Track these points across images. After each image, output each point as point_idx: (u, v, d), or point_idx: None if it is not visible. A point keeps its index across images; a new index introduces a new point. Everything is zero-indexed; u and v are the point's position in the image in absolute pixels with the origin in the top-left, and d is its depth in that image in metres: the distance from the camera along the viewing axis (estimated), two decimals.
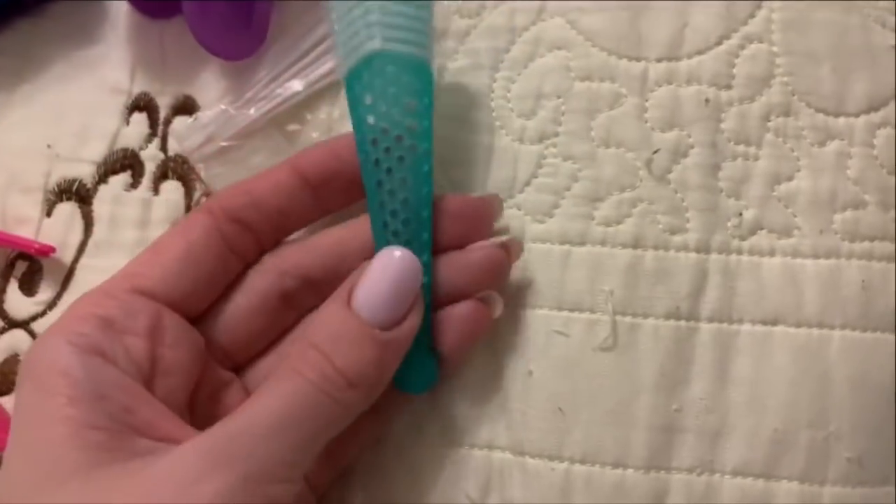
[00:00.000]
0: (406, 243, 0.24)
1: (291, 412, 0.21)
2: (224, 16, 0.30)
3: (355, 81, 0.25)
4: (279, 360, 0.26)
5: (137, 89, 0.32)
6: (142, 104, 0.31)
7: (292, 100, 0.30)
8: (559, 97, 0.28)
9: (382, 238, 0.25)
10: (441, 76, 0.30)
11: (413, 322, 0.23)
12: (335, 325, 0.23)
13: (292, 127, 0.30)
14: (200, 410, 0.24)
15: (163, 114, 0.31)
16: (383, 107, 0.24)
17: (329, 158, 0.26)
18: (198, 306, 0.25)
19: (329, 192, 0.26)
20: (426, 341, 0.25)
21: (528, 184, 0.28)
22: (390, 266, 0.23)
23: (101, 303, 0.23)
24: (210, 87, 0.31)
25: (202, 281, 0.25)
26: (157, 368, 0.23)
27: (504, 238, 0.26)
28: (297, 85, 0.30)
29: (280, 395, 0.21)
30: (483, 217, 0.26)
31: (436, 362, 0.25)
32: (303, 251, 0.26)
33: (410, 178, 0.24)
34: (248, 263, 0.26)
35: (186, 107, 0.31)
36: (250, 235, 0.26)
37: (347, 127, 0.29)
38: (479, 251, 0.25)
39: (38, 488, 0.20)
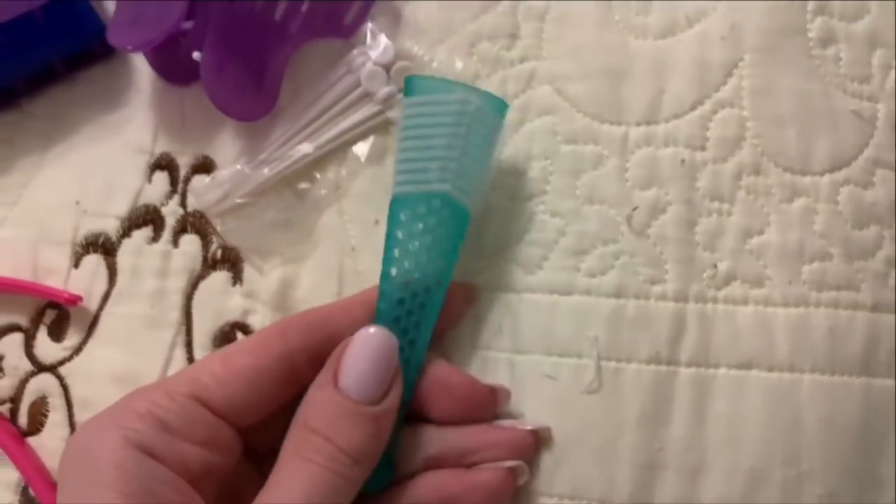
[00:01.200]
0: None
1: (312, 500, 0.23)
2: (238, 78, 0.32)
3: (406, 204, 0.28)
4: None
5: (159, 150, 0.34)
6: (163, 163, 0.34)
7: (303, 160, 0.32)
8: (547, 158, 0.31)
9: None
10: None
11: (397, 392, 0.25)
12: (329, 408, 0.24)
13: (303, 185, 0.33)
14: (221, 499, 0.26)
15: (182, 172, 0.34)
16: (423, 254, 0.27)
17: None
18: (250, 422, 0.26)
19: None
20: None
21: (519, 239, 0.30)
22: (368, 344, 0.25)
23: (160, 404, 0.24)
24: (226, 147, 0.34)
25: (263, 405, 0.26)
26: (205, 472, 0.24)
27: (513, 463, 0.27)
28: (307, 147, 0.32)
29: (298, 487, 0.23)
30: (487, 407, 0.28)
31: (390, 459, 0.27)
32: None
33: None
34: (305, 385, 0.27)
35: (205, 166, 0.34)
36: (318, 362, 0.26)
37: (355, 185, 0.32)
38: (487, 472, 0.26)
39: None
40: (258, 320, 0.31)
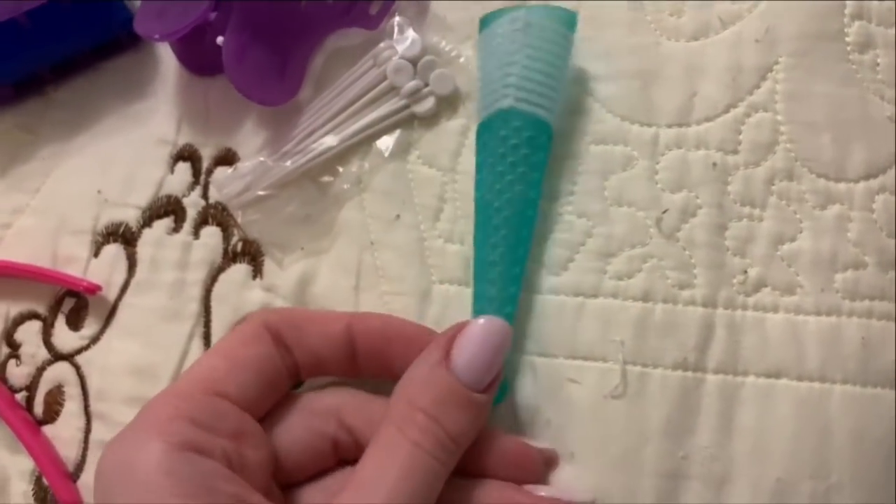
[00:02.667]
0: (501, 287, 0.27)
1: (411, 480, 0.22)
2: (260, 63, 0.32)
3: (485, 131, 0.29)
4: (321, 493, 0.26)
5: (182, 141, 0.34)
6: (186, 155, 0.34)
7: (326, 154, 0.32)
8: (575, 158, 0.31)
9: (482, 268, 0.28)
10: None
11: (499, 382, 0.25)
12: (439, 389, 0.24)
13: (325, 178, 0.32)
14: None
15: (205, 164, 0.34)
16: (509, 157, 0.28)
17: (379, 339, 0.27)
18: (260, 413, 0.26)
19: (367, 363, 0.27)
20: None
21: (544, 239, 0.30)
22: (493, 335, 0.25)
23: (182, 404, 0.24)
24: (249, 140, 0.33)
25: (270, 391, 0.26)
26: (242, 467, 0.24)
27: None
28: (330, 140, 0.32)
29: (399, 465, 0.23)
30: (538, 468, 0.27)
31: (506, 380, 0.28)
32: (357, 401, 0.27)
33: (515, 219, 0.28)
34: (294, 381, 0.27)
35: (227, 158, 0.33)
36: (291, 359, 0.27)
37: (377, 180, 0.32)
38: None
39: None
40: None
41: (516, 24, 0.29)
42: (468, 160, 0.31)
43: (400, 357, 0.26)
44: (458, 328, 0.25)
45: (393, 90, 0.32)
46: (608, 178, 0.30)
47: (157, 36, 0.32)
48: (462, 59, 0.32)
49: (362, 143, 0.32)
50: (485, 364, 0.24)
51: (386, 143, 0.32)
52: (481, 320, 0.25)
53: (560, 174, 0.30)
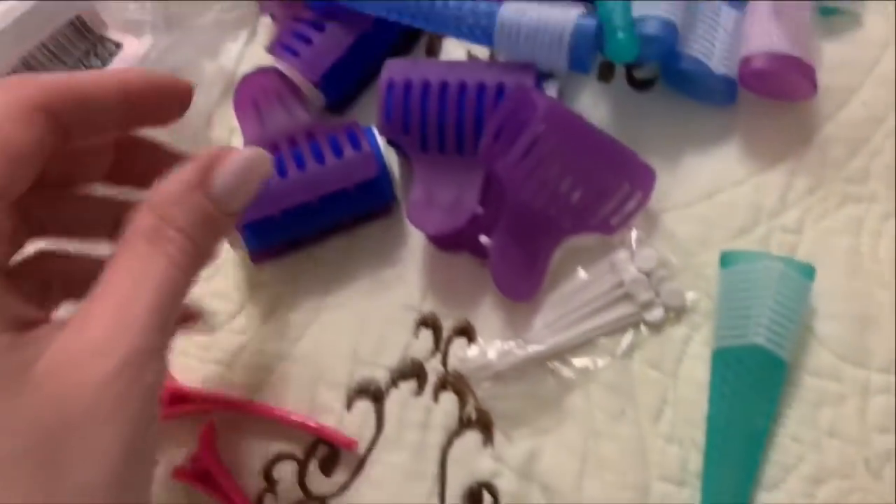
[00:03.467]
0: None
1: (168, 297, 0.24)
2: (516, 263, 0.37)
3: (728, 358, 0.34)
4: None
5: (427, 309, 0.38)
6: (429, 322, 0.38)
7: (559, 346, 0.36)
8: (792, 385, 0.34)
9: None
10: None
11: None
12: (197, 211, 0.25)
13: (555, 364, 0.36)
14: None
15: (445, 333, 0.38)
16: (751, 389, 0.33)
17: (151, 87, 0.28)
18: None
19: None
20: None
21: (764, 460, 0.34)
22: (256, 165, 0.27)
23: None
24: (486, 317, 0.38)
25: (29, 179, 0.25)
26: None
27: None
28: (566, 334, 0.36)
29: (155, 281, 0.24)
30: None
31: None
32: None
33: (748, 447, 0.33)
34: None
35: (465, 330, 0.38)
36: (61, 139, 0.26)
37: (604, 374, 0.35)
38: None
39: None
40: (505, 484, 0.35)
41: (771, 272, 0.33)
42: (689, 367, 0.36)
43: (165, 102, 0.28)
44: (218, 156, 0.26)
45: (627, 296, 0.37)
46: (821, 410, 0.34)
47: (431, 231, 0.36)
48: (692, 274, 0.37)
49: (593, 340, 0.37)
50: (242, 192, 0.26)
51: (615, 342, 0.36)
52: (247, 152, 0.27)
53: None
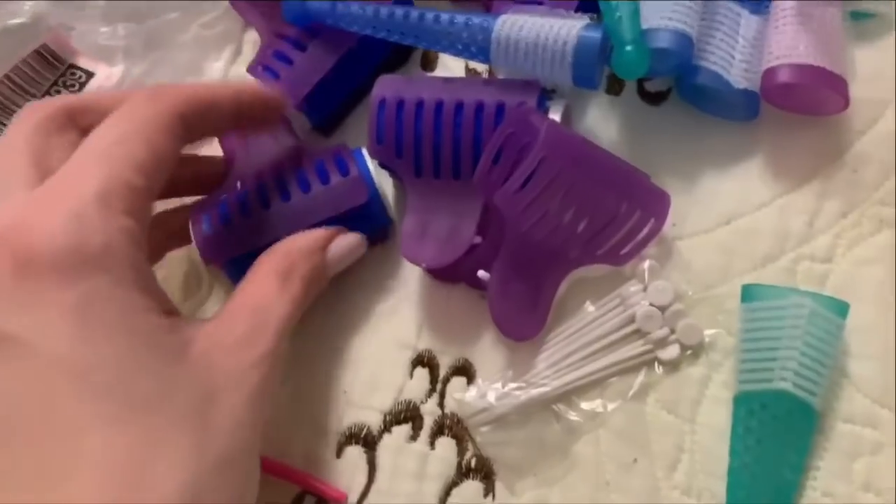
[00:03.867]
0: None
1: (282, 320, 0.30)
2: (517, 300, 0.34)
3: (752, 404, 0.31)
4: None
5: (422, 346, 0.35)
6: (424, 360, 0.35)
7: (565, 387, 0.34)
8: (821, 433, 0.31)
9: None
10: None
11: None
12: (315, 269, 0.32)
13: (560, 407, 0.33)
14: None
15: (443, 372, 0.35)
16: (777, 438, 0.30)
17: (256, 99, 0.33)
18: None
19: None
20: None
21: None
22: (359, 248, 0.34)
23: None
24: (486, 354, 0.35)
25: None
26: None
27: None
28: (572, 375, 0.33)
29: (280, 312, 0.30)
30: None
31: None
32: None
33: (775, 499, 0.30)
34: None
35: (464, 369, 0.35)
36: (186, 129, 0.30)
37: (614, 419, 0.32)
38: None
39: None
40: None
41: (801, 310, 0.30)
42: (709, 411, 0.32)
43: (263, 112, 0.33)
44: (338, 232, 0.33)
45: (639, 332, 0.34)
46: (856, 461, 0.31)
47: (424, 265, 0.33)
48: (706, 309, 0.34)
49: (599, 382, 0.34)
50: (342, 264, 0.34)
51: (626, 383, 0.33)
52: (359, 235, 0.34)
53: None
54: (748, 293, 0.32)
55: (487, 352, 0.35)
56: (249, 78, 0.38)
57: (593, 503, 0.32)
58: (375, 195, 0.35)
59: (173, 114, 0.29)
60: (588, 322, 0.34)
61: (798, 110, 0.35)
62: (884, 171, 0.34)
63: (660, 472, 0.32)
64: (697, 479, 0.32)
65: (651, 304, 0.33)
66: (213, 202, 0.35)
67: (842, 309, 0.31)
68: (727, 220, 0.35)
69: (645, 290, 0.34)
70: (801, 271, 0.33)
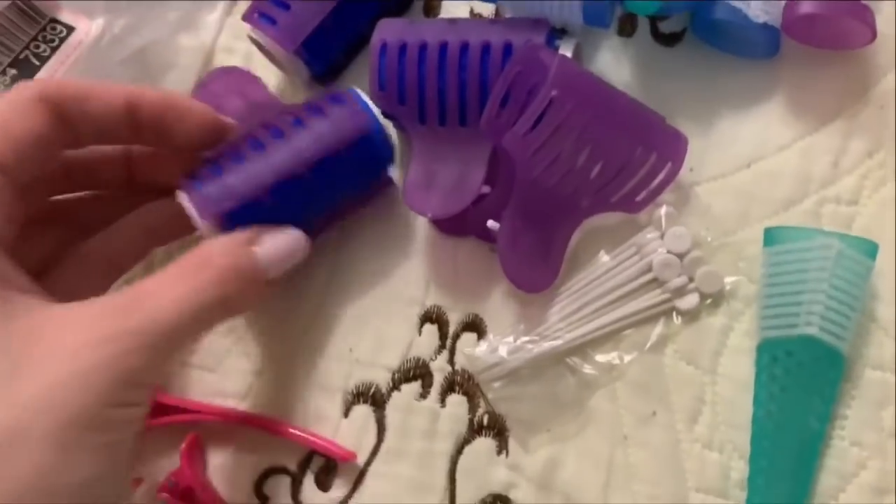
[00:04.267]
0: None
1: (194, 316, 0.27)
2: (528, 251, 0.32)
3: (776, 351, 0.29)
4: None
5: (430, 302, 0.34)
6: (433, 317, 0.34)
7: (579, 339, 0.32)
8: (849, 381, 0.30)
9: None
10: None
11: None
12: (236, 259, 0.29)
13: (574, 360, 0.32)
14: None
15: (452, 329, 0.34)
16: (802, 386, 0.29)
17: (161, 108, 0.30)
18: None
19: (149, 132, 0.30)
20: None
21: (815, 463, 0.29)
22: (297, 249, 0.31)
23: None
24: (497, 309, 0.34)
25: (38, 163, 0.28)
26: None
27: None
28: (585, 328, 0.32)
29: (187, 295, 0.27)
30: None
31: None
32: None
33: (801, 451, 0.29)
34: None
35: (475, 325, 0.34)
36: (68, 130, 0.29)
37: (631, 371, 0.31)
38: None
39: None
40: (521, 495, 0.31)
41: (828, 251, 0.28)
42: (730, 362, 0.31)
43: (178, 124, 0.31)
44: (265, 229, 0.30)
45: (656, 281, 0.32)
46: (886, 409, 0.29)
47: (430, 215, 0.32)
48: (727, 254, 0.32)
49: (615, 333, 0.32)
50: (282, 260, 0.30)
51: (644, 334, 0.32)
52: (294, 232, 0.31)
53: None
54: (771, 236, 0.30)
55: (498, 306, 0.34)
56: (246, 27, 0.36)
57: (611, 458, 0.31)
58: (377, 124, 0.33)
59: (31, 96, 0.28)
60: (603, 272, 0.33)
61: (821, 45, 0.33)
62: None
63: (680, 424, 0.31)
64: (719, 431, 0.31)
65: (668, 252, 0.32)
66: (200, 165, 0.32)
67: (871, 250, 0.29)
68: (747, 163, 0.33)
69: (662, 237, 0.32)
70: (825, 214, 0.32)
